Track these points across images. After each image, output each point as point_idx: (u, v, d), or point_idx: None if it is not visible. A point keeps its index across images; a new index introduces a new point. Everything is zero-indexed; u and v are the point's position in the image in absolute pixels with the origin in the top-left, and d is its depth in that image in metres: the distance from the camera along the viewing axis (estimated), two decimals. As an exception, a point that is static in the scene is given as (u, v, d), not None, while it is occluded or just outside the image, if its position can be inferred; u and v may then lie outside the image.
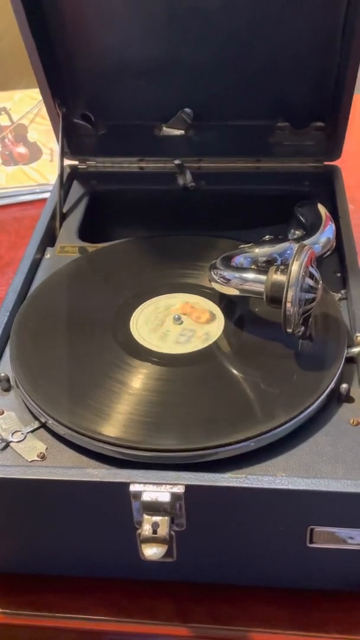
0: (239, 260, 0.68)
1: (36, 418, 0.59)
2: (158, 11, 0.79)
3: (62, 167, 0.88)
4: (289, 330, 0.59)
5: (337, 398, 0.60)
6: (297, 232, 0.76)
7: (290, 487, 0.51)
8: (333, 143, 0.87)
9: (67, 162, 0.92)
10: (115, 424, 0.57)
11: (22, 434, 0.58)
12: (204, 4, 0.78)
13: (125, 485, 0.51)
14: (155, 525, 0.51)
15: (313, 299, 0.59)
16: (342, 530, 0.53)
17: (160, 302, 0.70)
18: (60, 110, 0.86)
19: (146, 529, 0.51)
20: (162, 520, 0.51)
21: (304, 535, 0.53)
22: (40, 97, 0.86)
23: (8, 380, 0.63)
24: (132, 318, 0.68)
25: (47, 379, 0.61)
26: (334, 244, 0.74)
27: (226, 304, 0.69)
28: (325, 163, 0.89)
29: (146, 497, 0.51)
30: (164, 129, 0.90)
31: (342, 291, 0.70)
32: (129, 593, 0.60)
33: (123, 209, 0.90)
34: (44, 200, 0.94)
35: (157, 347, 0.64)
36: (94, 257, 0.78)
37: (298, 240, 0.71)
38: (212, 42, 0.81)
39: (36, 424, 0.59)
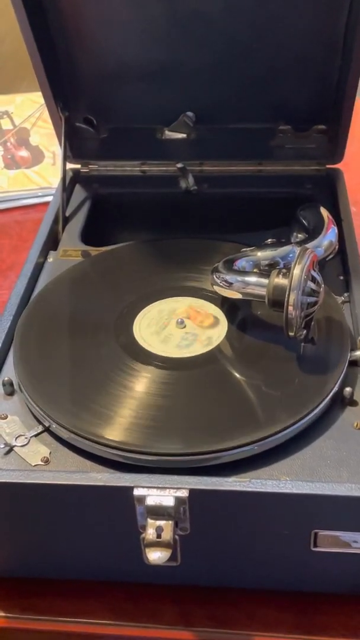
0: (241, 263, 0.68)
1: (40, 422, 0.59)
2: (159, 14, 0.79)
3: (64, 171, 0.88)
4: (291, 334, 0.59)
5: (341, 401, 0.60)
6: (299, 235, 0.76)
7: (294, 491, 0.51)
8: (335, 146, 0.87)
9: (69, 165, 0.92)
10: (118, 428, 0.57)
11: (26, 438, 0.58)
12: (205, 7, 0.78)
13: (129, 489, 0.51)
14: (159, 530, 0.51)
15: (315, 303, 0.59)
16: (346, 534, 0.53)
17: (165, 305, 0.70)
18: (63, 113, 0.86)
19: (150, 533, 0.51)
20: (166, 525, 0.51)
21: (308, 539, 0.53)
22: (42, 101, 0.87)
23: (11, 384, 0.63)
24: (135, 322, 0.68)
25: (51, 383, 0.61)
26: (337, 247, 0.74)
27: (228, 307, 0.69)
28: (327, 166, 0.89)
29: (150, 501, 0.51)
30: (166, 132, 0.90)
31: (345, 294, 0.70)
32: (132, 596, 0.60)
33: (125, 212, 0.91)
34: (46, 203, 0.95)
35: (158, 350, 0.64)
36: (97, 261, 0.78)
37: (300, 243, 0.71)
38: (213, 45, 0.81)
39: (40, 428, 0.59)
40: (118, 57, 0.84)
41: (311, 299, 0.59)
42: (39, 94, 0.85)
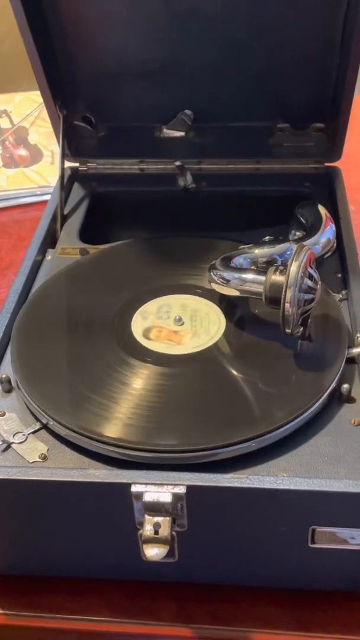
0: (238, 260, 0.68)
1: (37, 419, 0.60)
2: (158, 13, 0.79)
3: (62, 169, 0.88)
4: (288, 331, 0.59)
5: (338, 398, 0.60)
6: (297, 233, 0.76)
7: (292, 487, 0.51)
8: (333, 144, 0.87)
9: (67, 164, 0.92)
10: (116, 425, 0.57)
11: (24, 435, 0.58)
12: (204, 5, 0.78)
13: (127, 485, 0.51)
14: (156, 526, 0.51)
15: (312, 300, 0.59)
16: (343, 531, 0.53)
17: (154, 305, 0.70)
18: (61, 112, 0.86)
19: (148, 530, 0.51)
20: (164, 521, 0.51)
21: (306, 535, 0.53)
22: (41, 100, 0.87)
23: (9, 381, 0.63)
24: (132, 319, 0.68)
25: (48, 380, 0.61)
26: (335, 244, 0.74)
27: (226, 304, 0.69)
28: (326, 164, 0.89)
29: (148, 497, 0.51)
30: (165, 130, 0.90)
31: (343, 292, 0.70)
32: (131, 594, 0.60)
33: (124, 210, 0.91)
34: (44, 202, 0.95)
35: (170, 350, 0.64)
36: (95, 259, 0.78)
37: (298, 241, 0.71)
38: (212, 43, 0.82)
39: (37, 425, 0.59)
40: (116, 55, 0.84)
41: (308, 296, 0.59)
42: (38, 92, 0.85)
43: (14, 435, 0.58)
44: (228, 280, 0.65)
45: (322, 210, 0.77)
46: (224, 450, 0.54)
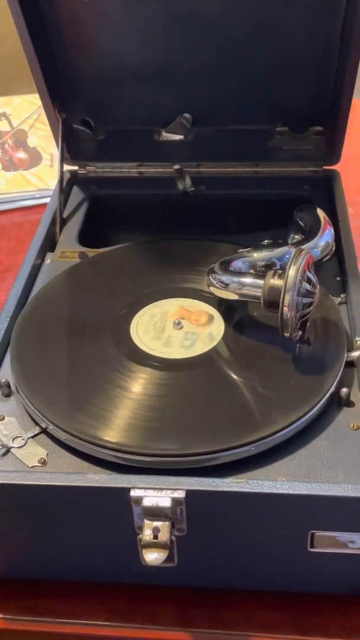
0: (237, 264, 0.68)
1: (37, 423, 0.60)
2: (157, 16, 0.79)
3: (61, 173, 0.88)
4: (287, 335, 0.59)
5: (337, 402, 0.60)
6: (296, 236, 0.76)
7: (291, 491, 0.51)
8: (332, 147, 0.87)
9: (66, 167, 0.92)
10: (115, 429, 0.57)
11: (23, 439, 0.58)
12: (203, 8, 0.78)
13: (126, 490, 0.51)
14: (156, 531, 0.51)
15: (310, 304, 0.59)
16: (343, 535, 0.53)
17: (156, 308, 0.70)
18: (60, 115, 0.86)
19: (147, 534, 0.51)
20: (163, 526, 0.51)
21: (305, 539, 0.53)
22: (40, 103, 0.87)
23: (9, 385, 0.63)
24: (132, 323, 0.68)
25: (48, 385, 0.61)
26: (333, 248, 0.74)
27: (225, 308, 0.69)
28: (325, 167, 0.89)
29: (147, 502, 0.51)
30: (163, 133, 0.90)
31: (342, 295, 0.70)
32: (130, 598, 0.60)
33: (123, 214, 0.91)
34: (44, 205, 0.95)
35: (161, 353, 0.64)
36: (94, 262, 0.78)
37: (297, 244, 0.71)
38: (211, 46, 0.81)
39: (37, 430, 0.59)
40: (115, 58, 0.84)
41: (306, 300, 0.59)
42: (37, 95, 0.85)
43: (13, 439, 0.58)
44: (227, 284, 0.65)
45: (320, 213, 0.77)
46: (223, 454, 0.54)
